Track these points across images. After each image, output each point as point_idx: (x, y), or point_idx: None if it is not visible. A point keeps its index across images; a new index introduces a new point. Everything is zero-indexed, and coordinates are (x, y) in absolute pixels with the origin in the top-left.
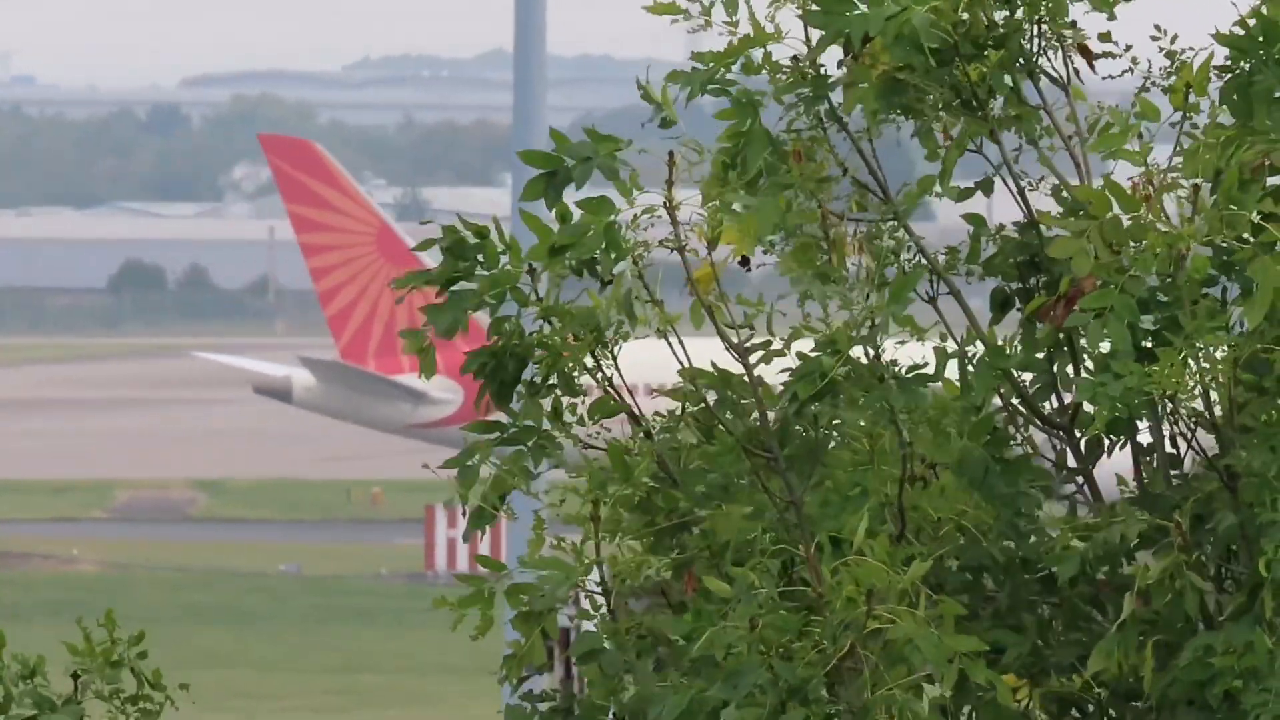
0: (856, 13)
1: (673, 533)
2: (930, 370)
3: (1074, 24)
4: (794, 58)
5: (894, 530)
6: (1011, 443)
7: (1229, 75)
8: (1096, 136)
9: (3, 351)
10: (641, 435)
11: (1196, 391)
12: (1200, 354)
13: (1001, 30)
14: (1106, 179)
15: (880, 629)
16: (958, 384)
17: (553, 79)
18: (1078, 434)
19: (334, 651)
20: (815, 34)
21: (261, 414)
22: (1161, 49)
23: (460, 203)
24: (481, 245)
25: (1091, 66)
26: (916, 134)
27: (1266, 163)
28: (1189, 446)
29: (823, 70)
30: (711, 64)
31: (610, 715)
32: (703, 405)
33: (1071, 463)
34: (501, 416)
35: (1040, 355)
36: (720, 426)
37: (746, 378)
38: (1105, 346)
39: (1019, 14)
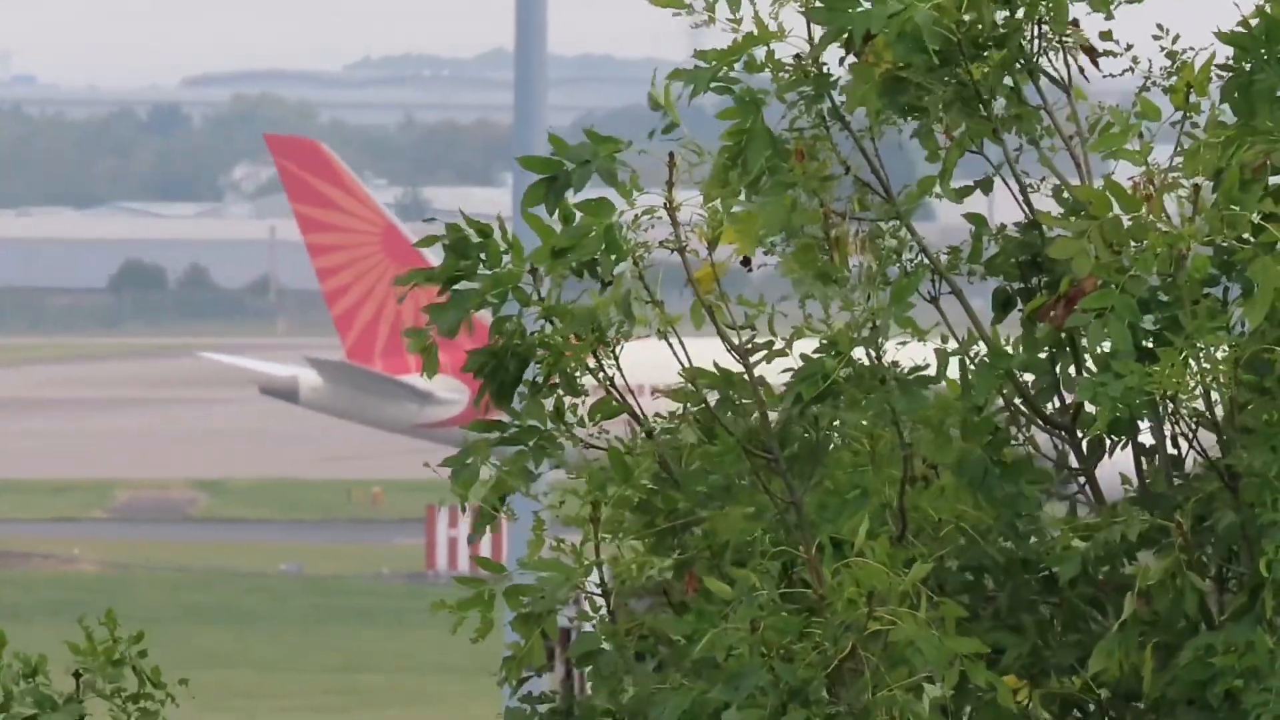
0: (859, 10)
1: (674, 532)
2: (931, 372)
3: (1075, 23)
4: (796, 56)
5: (895, 531)
6: (1013, 443)
7: (1230, 74)
8: (1097, 136)
9: (3, 351)
10: (643, 435)
11: (1197, 392)
12: (1201, 354)
13: (1002, 30)
14: (1107, 179)
15: (881, 630)
16: (960, 383)
17: (553, 78)
18: (1079, 434)
19: (334, 651)
20: (818, 32)
21: (262, 414)
22: (1163, 49)
23: (461, 203)
24: (484, 244)
25: (1096, 64)
26: (916, 134)
27: (1267, 162)
28: (1190, 446)
29: (825, 69)
30: (714, 62)
31: (610, 717)
32: (703, 405)
33: (1073, 463)
34: (505, 416)
35: (1042, 355)
36: (721, 427)
37: (747, 378)
38: (1107, 346)
39: (1019, 14)
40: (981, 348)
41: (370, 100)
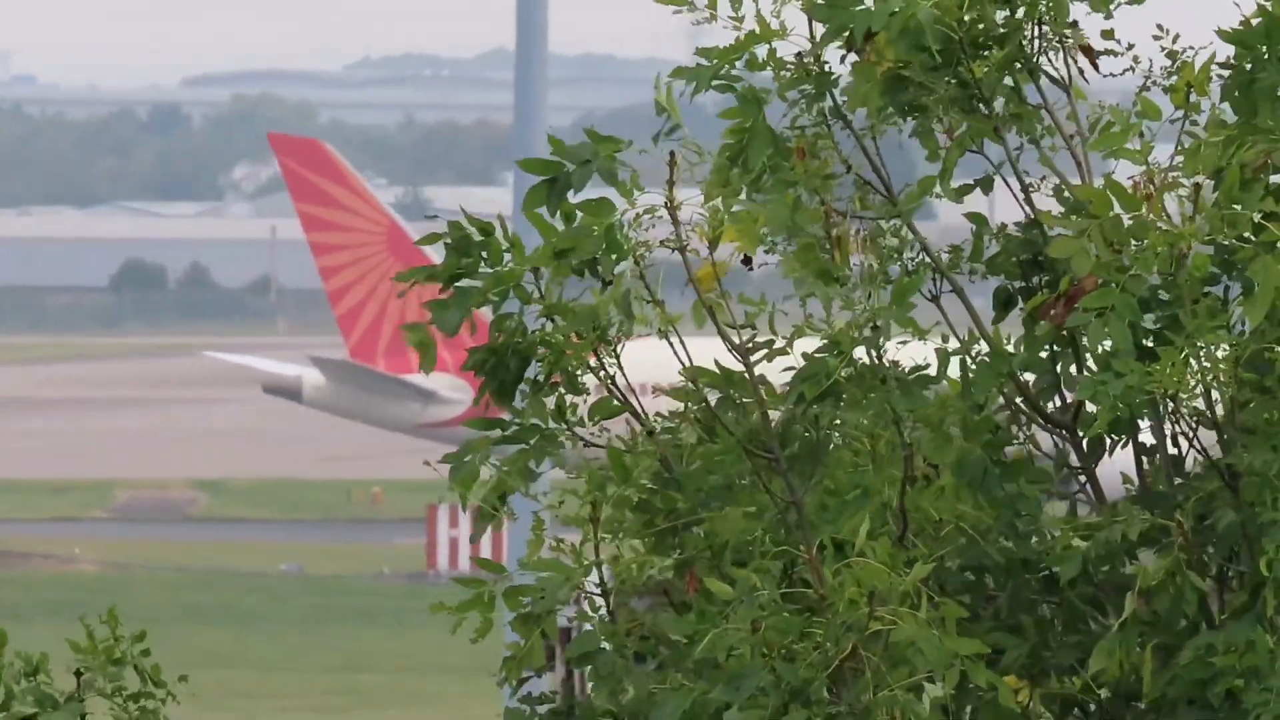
0: (860, 8)
1: (674, 532)
2: (932, 371)
3: (1074, 24)
4: (798, 54)
5: (895, 531)
6: (1014, 442)
7: (1231, 72)
8: (1098, 135)
9: (3, 351)
10: (645, 434)
11: (1198, 391)
12: (1201, 353)
13: (1002, 30)
14: (1107, 178)
15: (882, 631)
16: (960, 382)
17: (554, 78)
18: (1080, 433)
19: (334, 651)
20: (820, 30)
21: (262, 413)
22: (1163, 48)
23: (461, 202)
24: (486, 242)
25: (1095, 66)
26: (915, 133)
27: (1268, 162)
28: (1190, 446)
29: (826, 67)
30: (716, 60)
31: (611, 717)
32: (704, 405)
33: (1074, 461)
34: (507, 414)
35: (1043, 354)
36: (722, 426)
37: (748, 377)
38: (1107, 345)
39: (1019, 14)
40: (982, 347)
41: (370, 100)
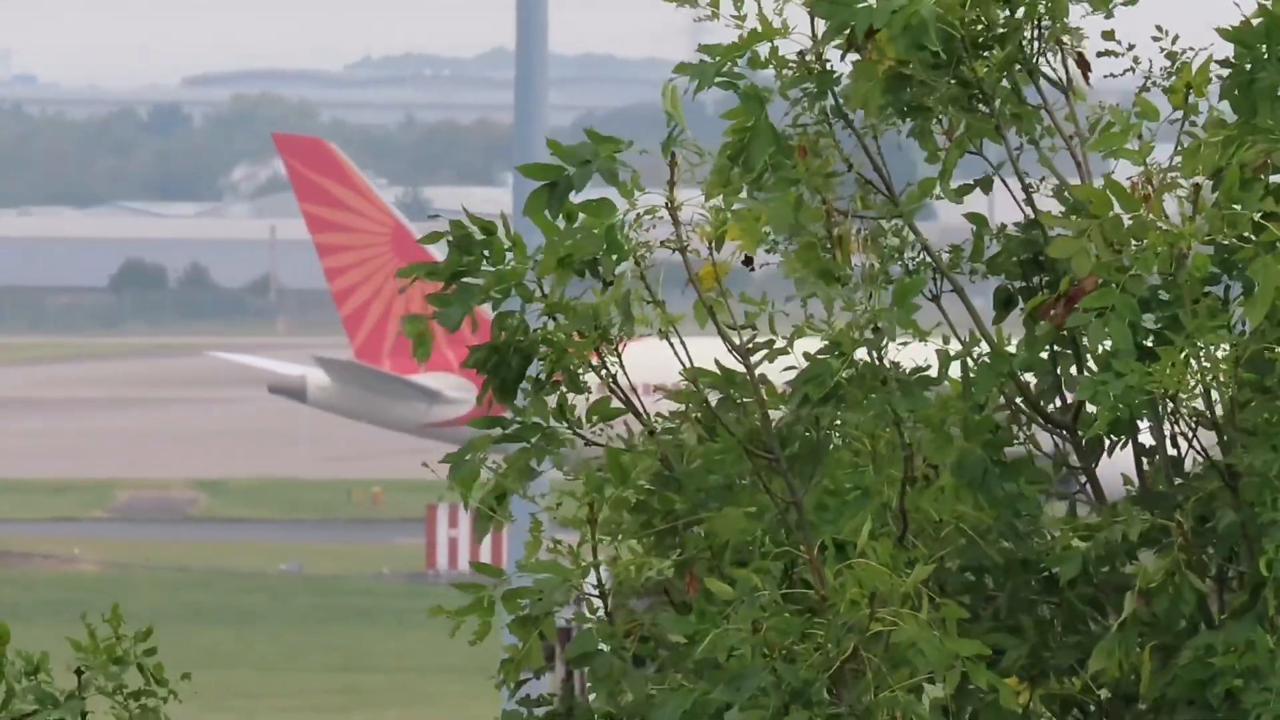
0: (862, 5)
1: (674, 532)
2: (933, 372)
3: (1077, 29)
4: (800, 52)
5: (895, 532)
6: (1015, 442)
7: (1231, 71)
8: (1097, 135)
9: (3, 351)
10: (646, 434)
11: (1198, 391)
12: (1201, 353)
13: (1002, 30)
14: (1107, 178)
15: (883, 632)
16: (961, 382)
17: (554, 78)
18: (1080, 433)
19: (334, 651)
20: (821, 29)
21: (262, 413)
22: (1162, 49)
23: (461, 202)
24: (488, 241)
25: (1085, 78)
26: (913, 134)
27: (1268, 161)
28: (1190, 446)
29: (828, 65)
30: (719, 57)
31: (610, 719)
32: (704, 405)
33: (1074, 461)
34: (509, 413)
35: (1044, 355)
36: (722, 427)
37: (748, 377)
38: (1108, 345)
39: (1019, 14)
40: (983, 347)
41: (370, 100)
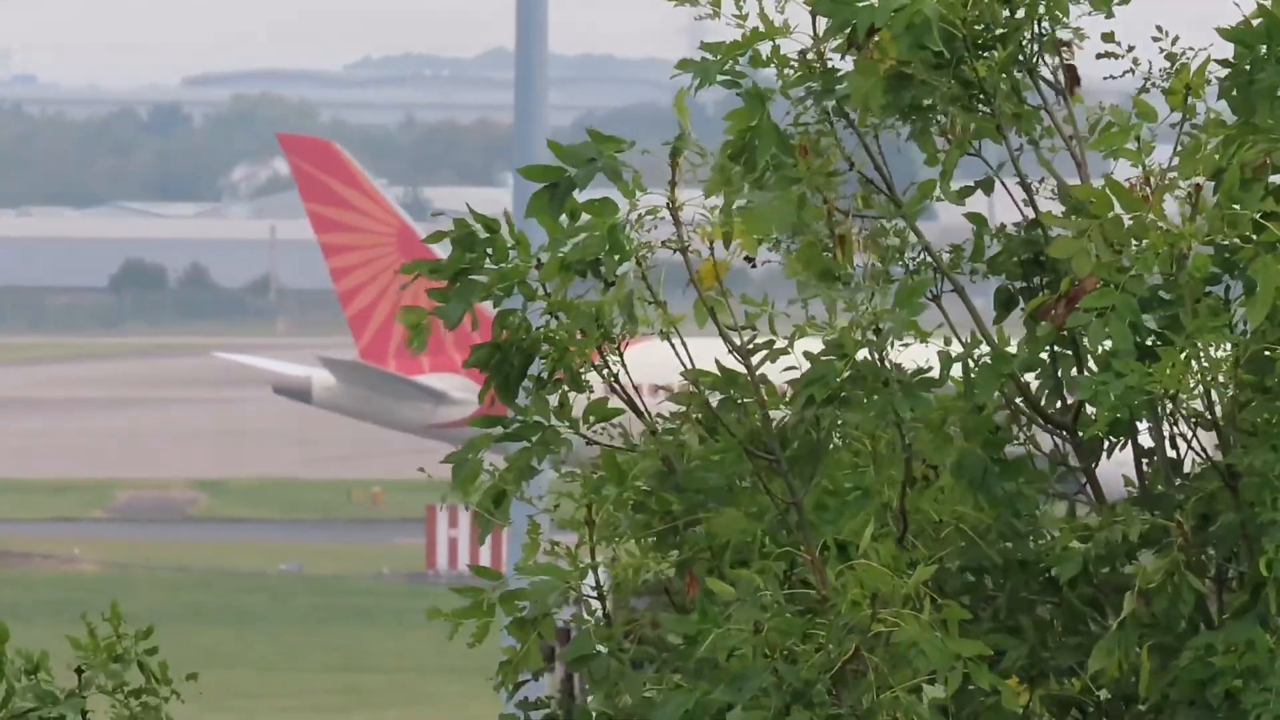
0: (864, 4)
1: (674, 531)
2: (935, 374)
3: (1078, 29)
4: (801, 51)
5: (895, 532)
6: (1014, 442)
7: (1230, 72)
8: (1098, 135)
9: (3, 351)
10: (648, 434)
11: (1198, 391)
12: (1202, 354)
13: (1002, 30)
14: (1107, 178)
15: (884, 632)
16: (961, 382)
17: (554, 78)
18: (1080, 434)
19: (334, 651)
20: (823, 29)
21: (262, 413)
22: (1162, 50)
23: (461, 202)
24: (491, 239)
25: (1072, 90)
26: (912, 136)
27: (1268, 161)
28: (1189, 447)
29: (830, 64)
30: (721, 55)
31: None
32: (705, 406)
33: (1074, 462)
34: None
35: (1044, 355)
36: (723, 427)
37: (749, 378)
38: (1108, 345)
39: (1019, 14)
40: (984, 348)
41: (370, 100)
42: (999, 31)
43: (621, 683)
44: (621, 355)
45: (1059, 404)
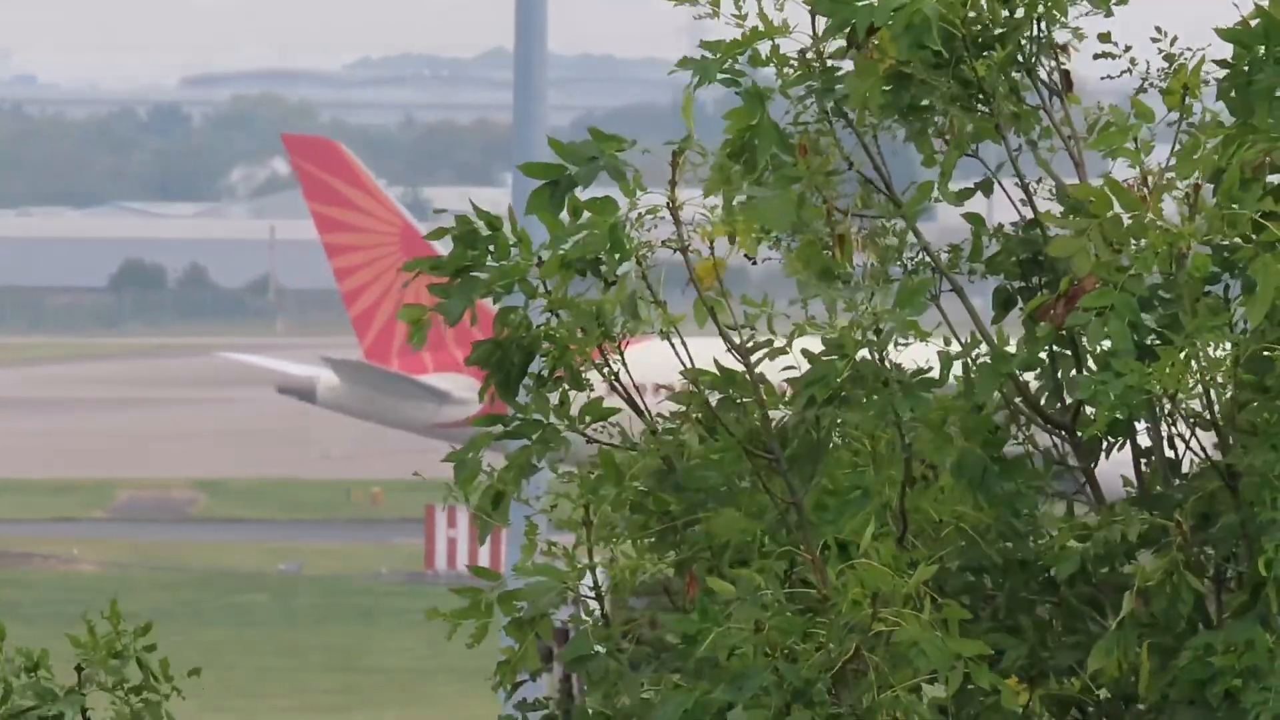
0: (863, 3)
1: (674, 530)
2: (935, 374)
3: (1077, 29)
4: (801, 51)
5: (895, 532)
6: (1013, 441)
7: (1229, 72)
8: (1096, 135)
9: (3, 351)
10: (649, 433)
11: (1197, 391)
12: (1201, 353)
13: (1002, 30)
14: (1107, 177)
15: (885, 632)
16: (961, 382)
17: (553, 78)
18: (1079, 433)
19: (334, 651)
20: (822, 28)
21: (262, 413)
22: (1160, 50)
23: (460, 202)
24: (493, 237)
25: (1063, 94)
26: (910, 137)
27: (1266, 161)
28: (1187, 447)
29: (829, 64)
30: (720, 54)
31: None
32: (704, 405)
33: (1073, 462)
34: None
35: (1043, 355)
36: (722, 427)
37: (748, 377)
38: (1107, 345)
39: (1019, 14)
40: (983, 348)
41: (370, 100)
42: (998, 31)
43: (619, 683)
44: (622, 354)
45: (1058, 404)
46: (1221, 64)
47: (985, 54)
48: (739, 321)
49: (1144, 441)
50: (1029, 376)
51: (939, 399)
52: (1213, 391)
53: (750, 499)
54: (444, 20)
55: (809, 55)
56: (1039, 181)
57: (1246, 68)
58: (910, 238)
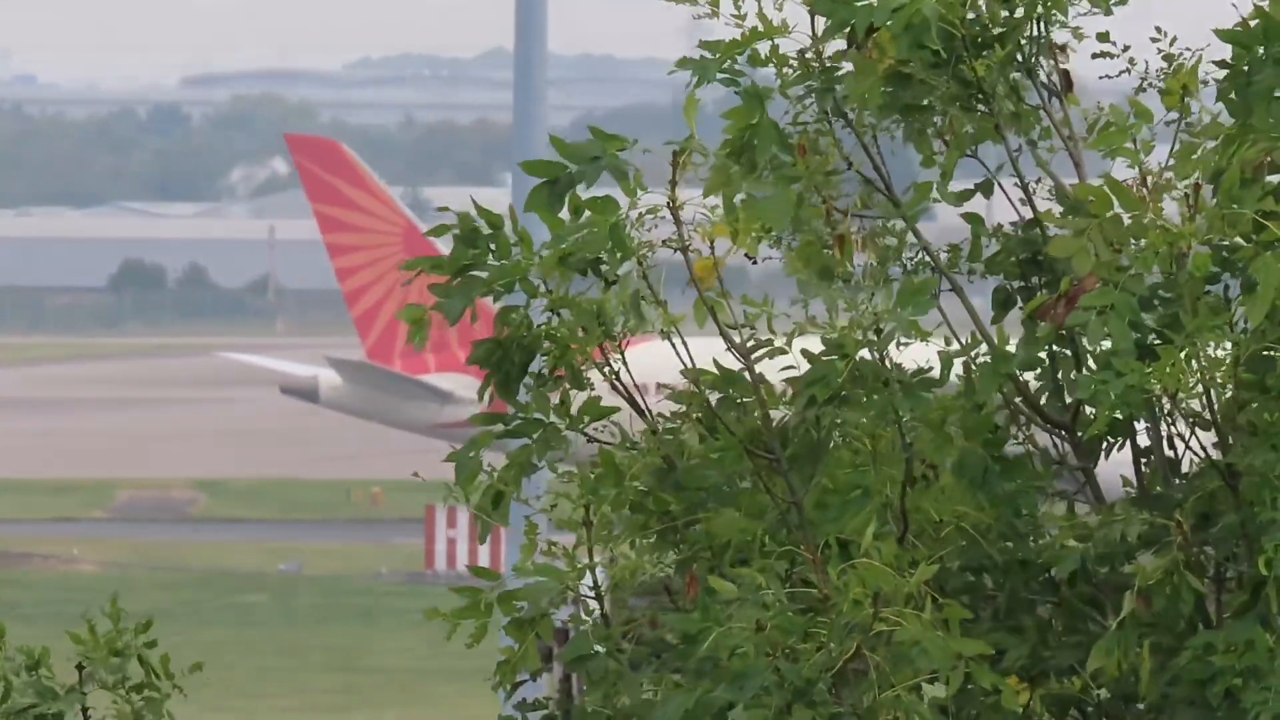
0: (862, 3)
1: (675, 530)
2: (935, 374)
3: (1076, 30)
4: (800, 51)
5: (896, 531)
6: (1013, 441)
7: (1229, 72)
8: (1096, 135)
9: (3, 351)
10: (649, 433)
11: (1197, 390)
12: (1201, 353)
13: (1001, 30)
14: (1107, 177)
15: (885, 631)
16: (962, 382)
17: (553, 78)
18: (1079, 433)
19: (334, 651)
20: (822, 28)
21: (262, 413)
22: (1160, 51)
23: (461, 202)
24: (494, 235)
25: (1062, 95)
26: (909, 138)
27: (1266, 161)
28: (1187, 446)
29: (829, 63)
30: (720, 54)
31: None
32: (705, 405)
33: (1073, 461)
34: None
35: (1043, 356)
36: (723, 426)
37: (748, 377)
38: (1107, 344)
39: (1018, 14)
40: (984, 348)
41: (370, 100)
42: (997, 31)
43: (619, 683)
44: (623, 353)
45: (1058, 404)
46: (1221, 64)
47: (985, 54)
48: (739, 321)
49: (1144, 441)
50: (1029, 376)
51: (939, 399)
52: (1213, 391)
53: (751, 499)
54: (444, 20)
55: (808, 55)
56: (1039, 182)
57: (1246, 68)
58: (910, 238)
